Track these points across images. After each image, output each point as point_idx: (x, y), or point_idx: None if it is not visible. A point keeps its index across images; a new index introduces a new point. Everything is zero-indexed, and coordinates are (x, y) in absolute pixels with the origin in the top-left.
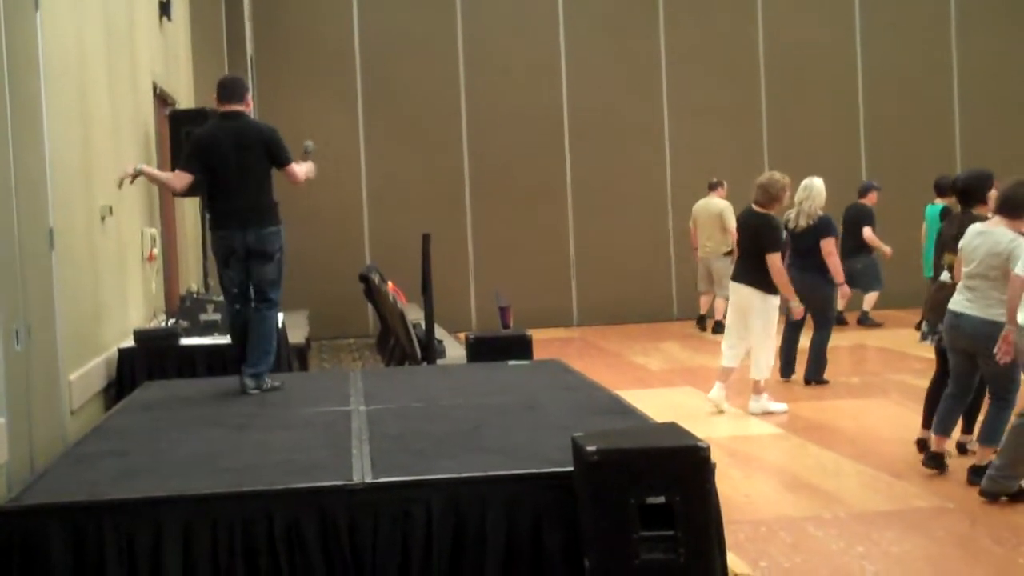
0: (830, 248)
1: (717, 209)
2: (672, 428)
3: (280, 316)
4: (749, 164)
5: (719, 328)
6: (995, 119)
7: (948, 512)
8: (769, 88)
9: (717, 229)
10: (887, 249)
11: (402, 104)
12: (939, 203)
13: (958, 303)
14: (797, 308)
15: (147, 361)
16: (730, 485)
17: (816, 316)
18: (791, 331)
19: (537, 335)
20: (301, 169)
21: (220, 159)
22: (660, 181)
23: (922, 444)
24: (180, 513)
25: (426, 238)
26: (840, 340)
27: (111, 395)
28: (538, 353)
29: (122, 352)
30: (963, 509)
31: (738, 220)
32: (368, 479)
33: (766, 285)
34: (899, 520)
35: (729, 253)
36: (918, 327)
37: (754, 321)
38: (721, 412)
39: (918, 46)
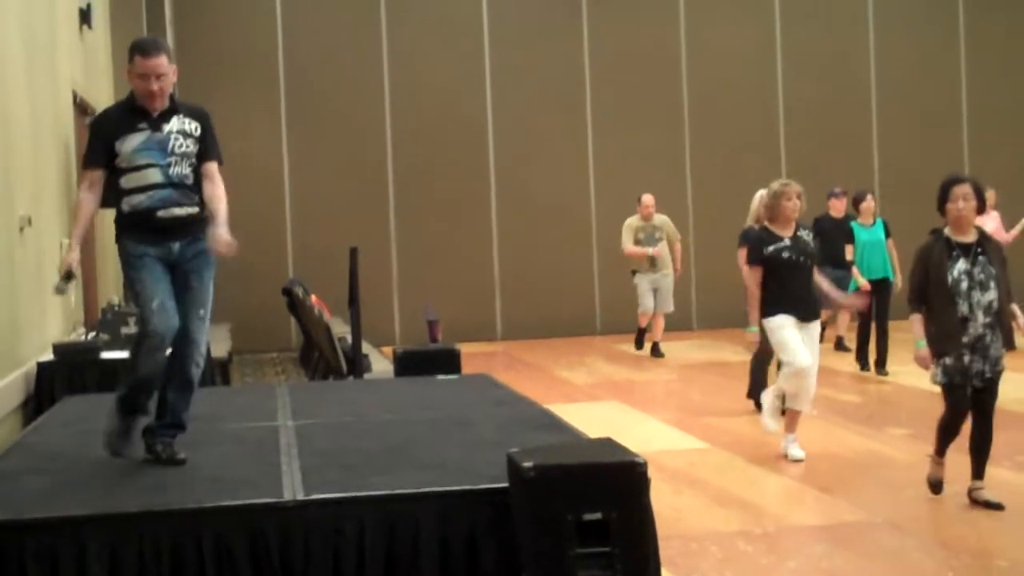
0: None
1: None
2: (608, 443)
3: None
4: (672, 175)
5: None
6: (912, 122)
7: (876, 527)
8: (691, 96)
9: None
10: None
11: (326, 115)
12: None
13: None
14: (751, 336)
15: (67, 375)
16: (660, 500)
17: None
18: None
19: (462, 349)
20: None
21: None
22: (584, 193)
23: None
24: (105, 532)
25: (354, 252)
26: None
27: (30, 410)
28: (464, 367)
29: (41, 366)
30: (891, 523)
31: None
32: (299, 496)
33: (762, 306)
34: (828, 535)
35: (633, 272)
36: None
37: None
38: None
39: (837, 54)
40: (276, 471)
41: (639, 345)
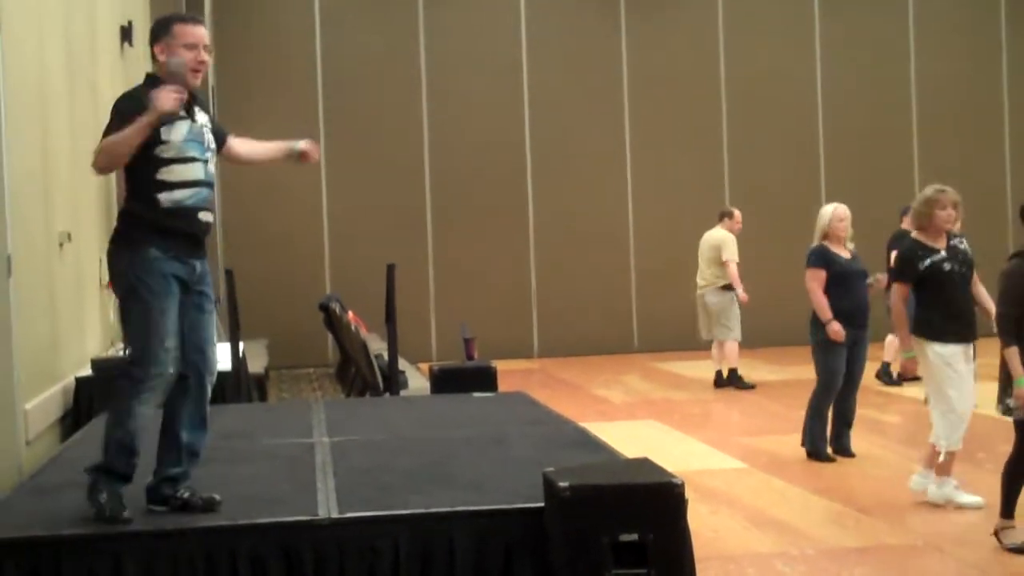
0: (809, 282)
1: (715, 240)
2: (645, 464)
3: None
4: (710, 194)
5: (734, 378)
6: (953, 139)
7: (917, 550)
8: (730, 117)
9: (712, 262)
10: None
11: (364, 133)
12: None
13: None
14: (910, 364)
15: (105, 390)
16: (697, 520)
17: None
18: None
19: (498, 366)
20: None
21: None
22: (622, 212)
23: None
24: (141, 548)
25: (391, 268)
26: (802, 374)
27: (68, 425)
28: (500, 385)
29: (80, 381)
30: (932, 546)
31: None
32: (334, 514)
33: (921, 327)
34: (869, 557)
35: (726, 287)
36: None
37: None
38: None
39: (877, 72)
40: (311, 488)
41: (741, 383)
